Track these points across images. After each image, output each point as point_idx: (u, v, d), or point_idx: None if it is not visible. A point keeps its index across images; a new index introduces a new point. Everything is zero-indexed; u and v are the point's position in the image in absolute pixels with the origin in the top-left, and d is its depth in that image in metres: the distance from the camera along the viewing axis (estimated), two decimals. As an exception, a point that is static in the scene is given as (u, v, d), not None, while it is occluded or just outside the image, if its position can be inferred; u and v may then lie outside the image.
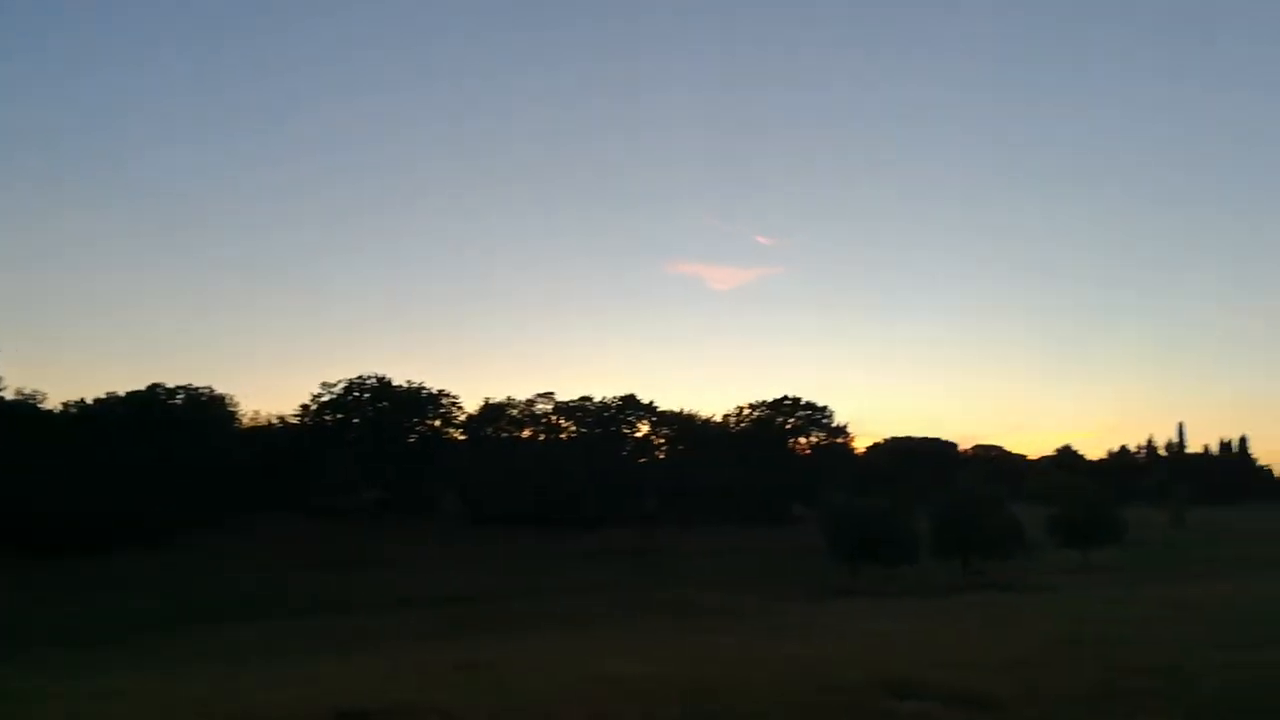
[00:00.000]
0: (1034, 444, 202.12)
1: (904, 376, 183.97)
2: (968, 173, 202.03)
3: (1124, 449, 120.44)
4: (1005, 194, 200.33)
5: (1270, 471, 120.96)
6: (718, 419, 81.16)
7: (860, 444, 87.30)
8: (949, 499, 39.85)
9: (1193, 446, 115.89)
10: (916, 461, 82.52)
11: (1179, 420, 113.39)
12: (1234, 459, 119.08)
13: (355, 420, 73.08)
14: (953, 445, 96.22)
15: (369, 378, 72.80)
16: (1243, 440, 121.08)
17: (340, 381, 72.43)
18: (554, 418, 77.53)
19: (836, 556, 39.65)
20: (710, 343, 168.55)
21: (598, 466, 69.45)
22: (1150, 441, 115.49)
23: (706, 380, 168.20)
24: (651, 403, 78.12)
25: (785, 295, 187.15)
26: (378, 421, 71.89)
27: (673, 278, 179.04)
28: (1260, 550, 46.18)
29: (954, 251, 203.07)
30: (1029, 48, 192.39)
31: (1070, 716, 7.91)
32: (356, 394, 72.55)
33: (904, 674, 9.77)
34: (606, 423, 76.91)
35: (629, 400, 77.41)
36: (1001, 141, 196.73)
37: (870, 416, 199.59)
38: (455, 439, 75.50)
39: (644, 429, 78.99)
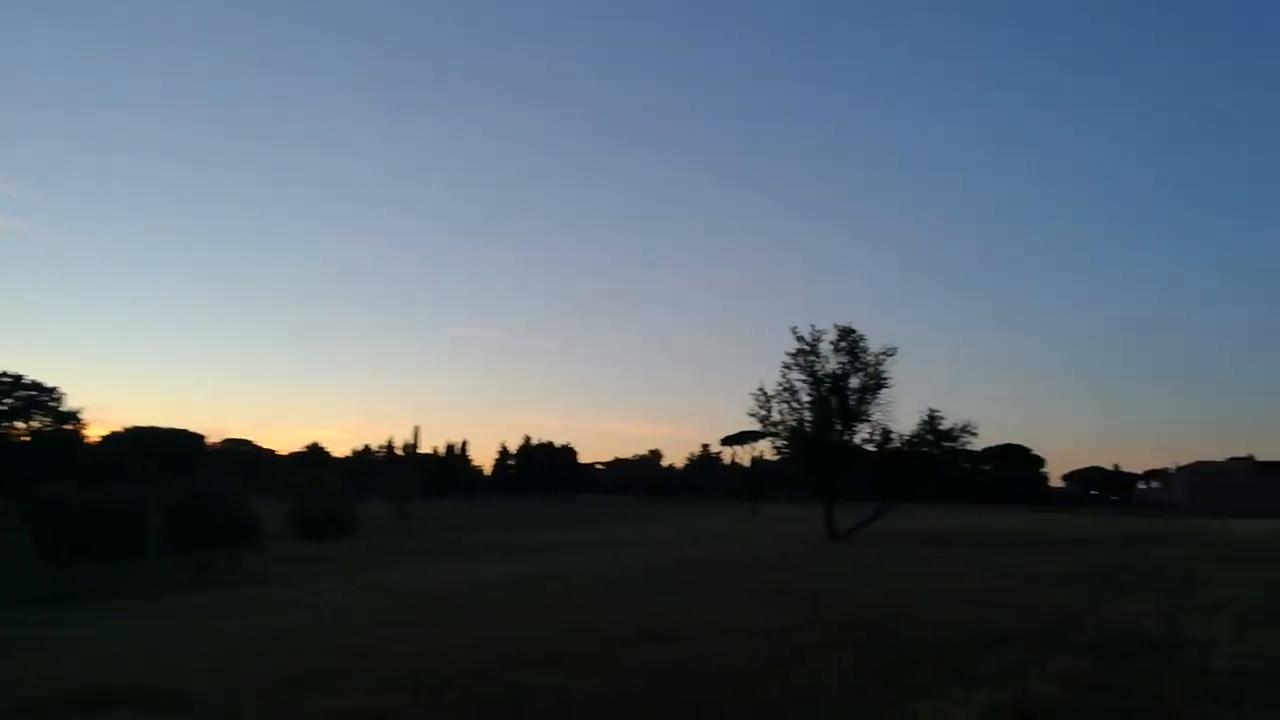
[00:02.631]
0: (286, 440, 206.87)
1: (155, 363, 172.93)
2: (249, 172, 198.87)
3: (367, 448, 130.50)
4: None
5: (480, 471, 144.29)
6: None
7: (97, 432, 78.41)
8: (183, 492, 38.16)
9: (425, 448, 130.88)
10: (158, 453, 77.04)
11: (416, 424, 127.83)
12: (456, 459, 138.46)
13: None
14: (200, 437, 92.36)
15: None
16: (464, 444, 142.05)
17: None
18: None
19: (47, 557, 34.92)
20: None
21: None
22: (390, 442, 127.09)
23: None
24: None
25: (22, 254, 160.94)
26: None
27: None
28: (461, 539, 53.92)
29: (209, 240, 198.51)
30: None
31: (260, 705, 8.37)
32: None
33: (101, 683, 9.21)
34: None
35: None
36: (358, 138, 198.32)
37: (118, 403, 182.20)
38: None
39: None
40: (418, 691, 8.74)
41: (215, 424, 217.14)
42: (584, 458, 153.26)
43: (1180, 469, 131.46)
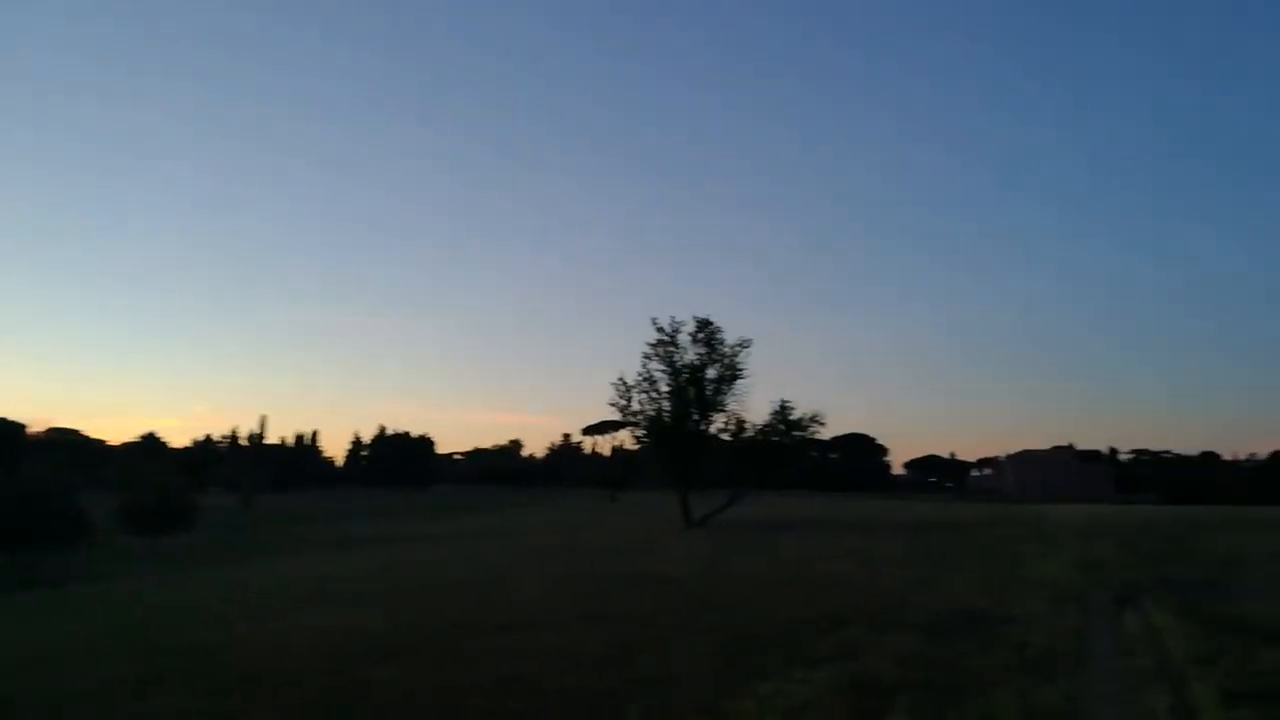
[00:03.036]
0: (120, 430, 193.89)
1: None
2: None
3: (209, 438, 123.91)
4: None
5: (333, 462, 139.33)
6: None
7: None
8: (2, 486, 35.30)
9: (273, 438, 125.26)
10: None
11: (263, 414, 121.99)
12: (306, 450, 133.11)
13: None
14: (20, 426, 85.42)
15: None
16: (314, 434, 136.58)
17: None
18: None
19: None
20: None
21: None
22: (235, 432, 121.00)
23: None
24: None
25: None
26: None
27: None
28: (309, 531, 52.09)
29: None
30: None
31: (88, 710, 7.84)
32: None
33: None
34: None
35: None
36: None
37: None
38: None
39: None
40: (255, 691, 8.37)
41: (40, 412, 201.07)
42: (442, 448, 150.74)
43: (1009, 457, 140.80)
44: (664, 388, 41.45)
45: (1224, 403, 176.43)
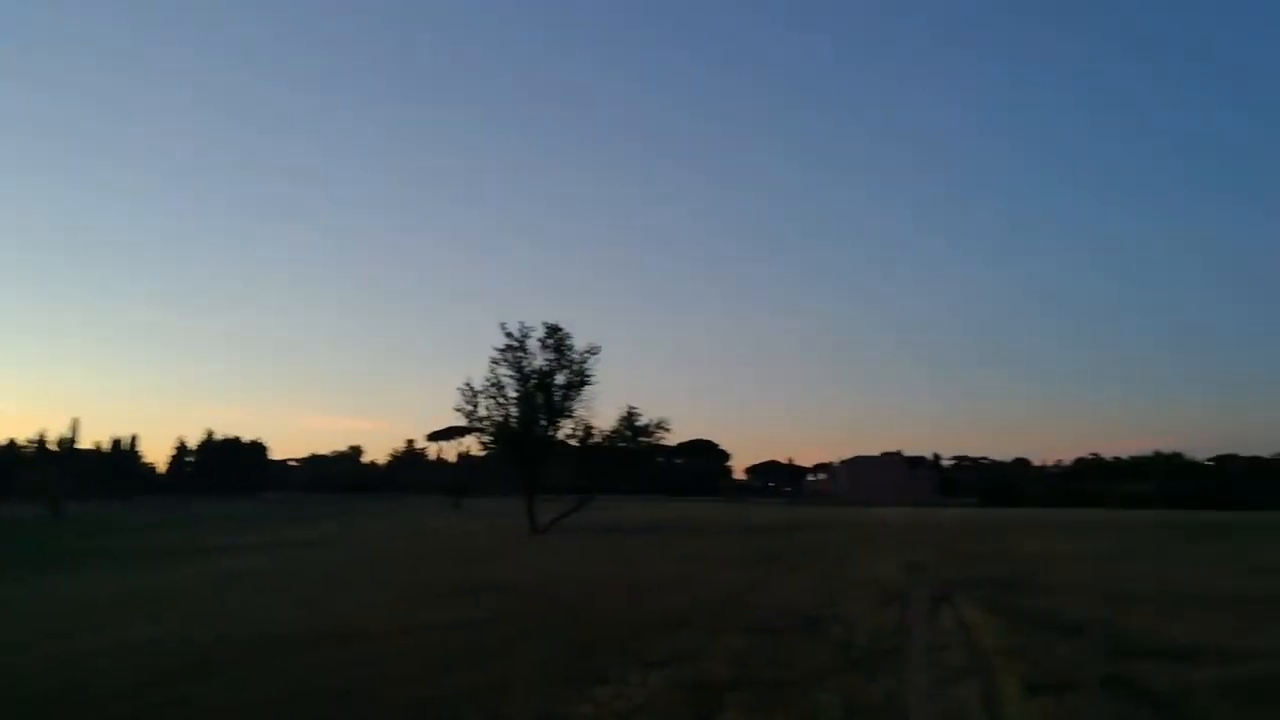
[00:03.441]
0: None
1: None
2: None
3: (12, 442, 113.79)
4: None
5: (154, 468, 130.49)
6: None
7: None
8: None
9: (86, 443, 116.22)
10: None
11: (74, 416, 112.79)
12: (124, 455, 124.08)
13: None
14: None
15: None
16: (134, 439, 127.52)
17: None
18: None
19: None
20: None
21: None
22: (42, 436, 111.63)
23: None
24: None
25: None
26: None
27: None
28: (124, 542, 48.57)
29: None
30: None
31: None
32: None
33: None
34: None
35: None
36: None
37: None
38: None
39: None
40: (56, 716, 7.71)
41: None
42: (276, 454, 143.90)
43: (842, 462, 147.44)
44: (512, 393, 41.15)
45: (1035, 415, 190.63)
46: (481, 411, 41.19)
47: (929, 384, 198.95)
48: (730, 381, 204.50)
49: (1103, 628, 11.27)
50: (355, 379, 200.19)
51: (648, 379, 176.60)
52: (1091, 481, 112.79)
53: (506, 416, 41.26)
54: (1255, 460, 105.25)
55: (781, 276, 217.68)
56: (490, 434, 42.34)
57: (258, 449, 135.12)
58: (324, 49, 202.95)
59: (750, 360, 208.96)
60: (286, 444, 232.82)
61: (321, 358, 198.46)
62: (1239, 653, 9.47)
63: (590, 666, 9.27)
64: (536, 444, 41.60)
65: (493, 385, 41.02)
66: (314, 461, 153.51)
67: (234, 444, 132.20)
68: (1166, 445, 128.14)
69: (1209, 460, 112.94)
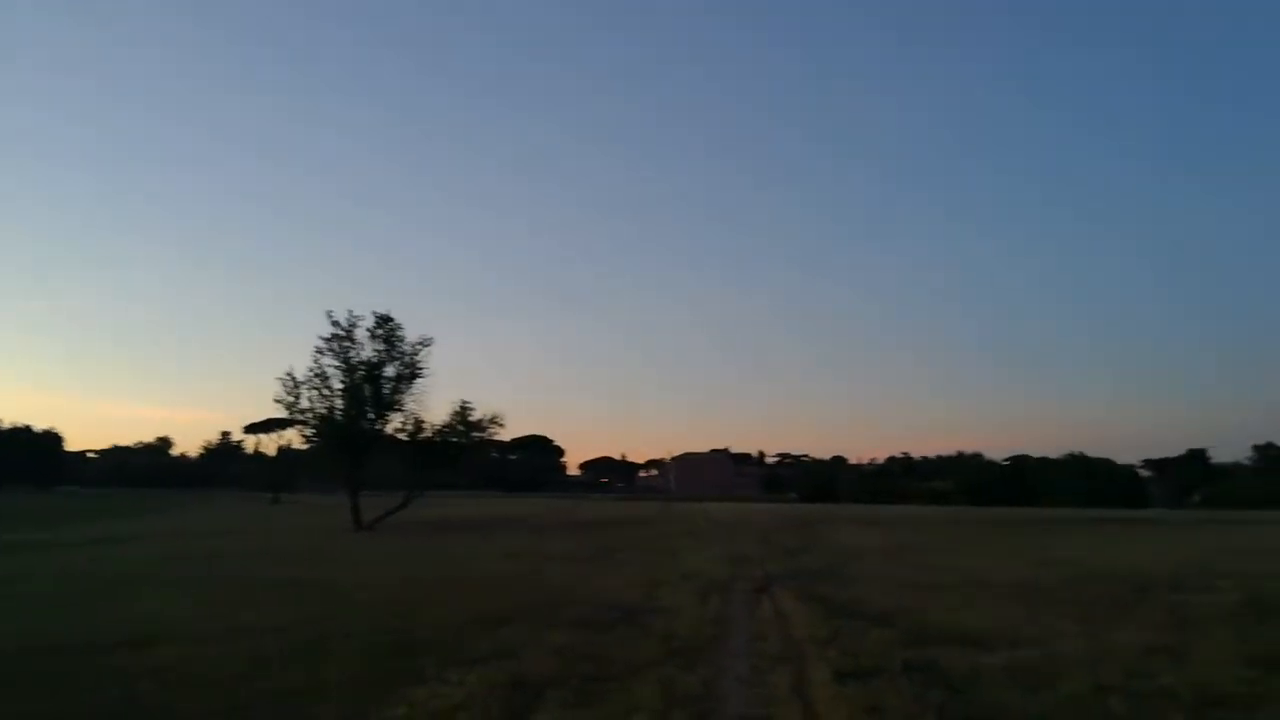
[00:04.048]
0: None
1: None
2: None
3: None
4: None
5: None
6: None
7: None
8: None
9: None
10: None
11: None
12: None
13: None
14: None
15: None
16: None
17: None
18: None
19: None
20: None
21: None
22: None
23: None
24: None
25: None
26: None
27: None
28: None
29: None
30: None
31: None
32: None
33: None
34: None
35: None
36: None
37: None
38: None
39: None
40: None
41: None
42: (73, 445, 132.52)
43: (673, 459, 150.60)
44: (338, 385, 39.58)
45: (855, 416, 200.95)
46: (304, 403, 39.47)
47: (758, 385, 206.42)
48: (568, 379, 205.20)
49: (907, 616, 11.94)
50: (162, 366, 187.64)
51: (485, 376, 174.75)
52: (901, 479, 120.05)
53: (331, 409, 39.67)
54: (1044, 461, 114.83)
55: (606, 277, 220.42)
56: (313, 427, 40.57)
57: (51, 439, 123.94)
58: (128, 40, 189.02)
59: (587, 359, 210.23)
60: (85, 434, 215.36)
61: (126, 342, 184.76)
62: (1024, 639, 10.24)
63: (409, 666, 8.99)
64: (363, 438, 40.19)
65: (317, 376, 39.36)
66: (116, 453, 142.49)
67: (24, 433, 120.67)
68: (969, 446, 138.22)
69: (1005, 460, 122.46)
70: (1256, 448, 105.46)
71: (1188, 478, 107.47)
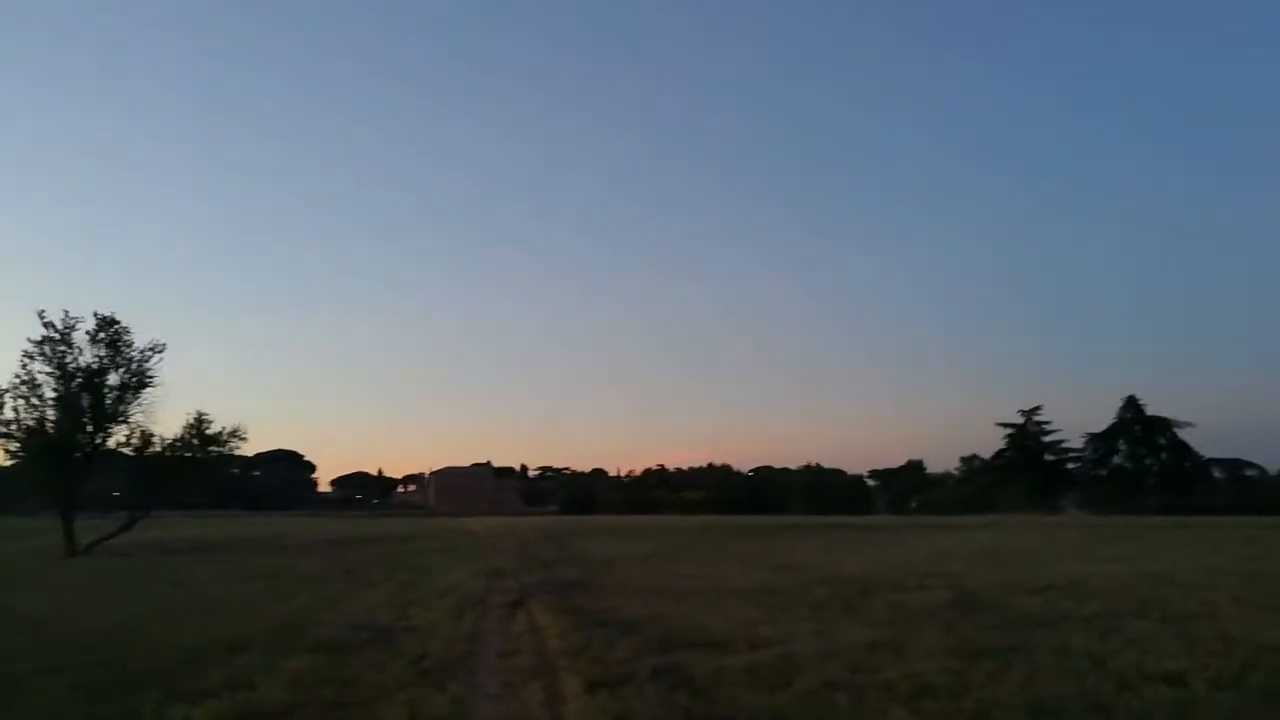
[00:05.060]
0: None
1: None
2: None
3: None
4: None
5: None
6: None
7: None
8: None
9: None
10: None
11: None
12: None
13: None
14: None
15: None
16: None
17: None
18: None
19: None
20: None
21: None
22: None
23: None
24: None
25: None
26: None
27: None
28: None
29: None
30: None
31: None
32: None
33: None
34: None
35: None
36: None
37: None
38: None
39: None
40: None
41: None
42: None
43: (432, 473, 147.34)
44: (50, 393, 35.37)
45: (614, 429, 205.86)
46: (9, 414, 34.95)
47: (522, 398, 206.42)
48: (320, 393, 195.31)
49: (656, 623, 12.34)
50: None
51: (230, 388, 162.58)
52: (656, 489, 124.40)
53: (42, 420, 35.37)
54: (784, 471, 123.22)
55: (369, 280, 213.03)
56: (19, 440, 35.95)
57: None
58: None
59: (344, 371, 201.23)
60: None
61: None
62: (762, 640, 10.88)
63: (127, 703, 8.17)
64: (80, 453, 36.12)
65: (24, 384, 34.98)
66: None
67: None
68: (719, 458, 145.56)
69: (750, 471, 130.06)
70: (963, 459, 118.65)
71: (908, 486, 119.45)
